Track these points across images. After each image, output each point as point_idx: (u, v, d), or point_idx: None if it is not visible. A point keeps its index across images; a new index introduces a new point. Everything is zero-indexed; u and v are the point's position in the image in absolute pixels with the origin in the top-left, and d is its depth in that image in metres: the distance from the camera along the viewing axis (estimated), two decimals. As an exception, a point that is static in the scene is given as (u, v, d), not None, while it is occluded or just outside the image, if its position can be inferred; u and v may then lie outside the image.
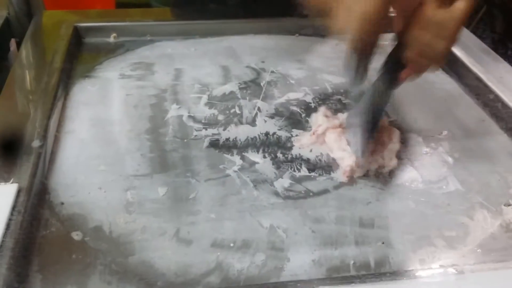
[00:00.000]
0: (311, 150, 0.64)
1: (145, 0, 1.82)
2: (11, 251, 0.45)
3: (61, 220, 0.52)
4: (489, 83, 0.75)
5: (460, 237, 0.53)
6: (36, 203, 0.53)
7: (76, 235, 0.51)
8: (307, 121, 0.70)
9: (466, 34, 0.89)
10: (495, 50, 0.88)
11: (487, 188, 0.60)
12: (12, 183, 0.52)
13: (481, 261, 0.51)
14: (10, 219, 0.48)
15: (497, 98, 0.73)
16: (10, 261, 0.45)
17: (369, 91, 0.60)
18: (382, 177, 0.61)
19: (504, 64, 0.82)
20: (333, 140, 0.64)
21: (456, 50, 0.83)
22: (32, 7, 0.97)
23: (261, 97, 0.74)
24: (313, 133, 0.65)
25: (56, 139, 0.63)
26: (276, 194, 0.57)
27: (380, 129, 0.65)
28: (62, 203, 0.54)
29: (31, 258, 0.48)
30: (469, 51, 0.83)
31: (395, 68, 0.58)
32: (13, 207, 0.49)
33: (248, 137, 0.66)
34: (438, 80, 0.81)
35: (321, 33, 0.91)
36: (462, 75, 0.81)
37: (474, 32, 0.93)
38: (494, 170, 0.63)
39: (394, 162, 0.62)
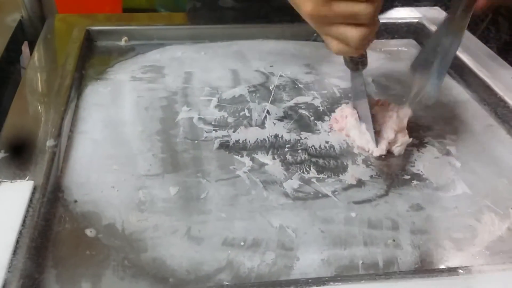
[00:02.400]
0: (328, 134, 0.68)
1: (150, 5, 1.84)
2: (27, 247, 0.46)
3: (74, 217, 0.53)
4: (496, 89, 0.75)
5: (468, 239, 0.54)
6: (51, 201, 0.54)
7: (90, 232, 0.52)
8: (315, 124, 0.70)
9: (472, 40, 0.90)
10: (500, 55, 0.88)
11: (494, 192, 0.60)
12: (28, 180, 0.53)
13: (489, 262, 0.51)
14: (25, 216, 0.49)
15: (504, 103, 0.73)
16: (26, 256, 0.46)
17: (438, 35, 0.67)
18: (390, 179, 0.61)
19: (510, 70, 0.82)
20: (352, 124, 0.67)
21: (463, 56, 0.84)
22: (45, 10, 0.99)
23: (270, 100, 0.75)
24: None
25: (70, 139, 0.65)
26: (286, 195, 0.58)
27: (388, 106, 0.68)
28: (76, 201, 0.55)
29: (46, 253, 0.49)
30: (476, 57, 0.84)
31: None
32: (29, 204, 0.50)
33: (257, 139, 0.67)
34: (445, 86, 0.82)
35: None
36: (469, 81, 0.81)
37: (480, 38, 0.94)
38: (501, 174, 0.63)
39: (406, 138, 0.64)
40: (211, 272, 0.48)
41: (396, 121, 0.66)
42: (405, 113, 0.67)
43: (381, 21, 0.94)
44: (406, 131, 0.66)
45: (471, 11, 0.64)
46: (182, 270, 0.48)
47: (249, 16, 0.97)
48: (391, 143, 0.65)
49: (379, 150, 0.64)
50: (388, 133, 0.65)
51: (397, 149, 0.65)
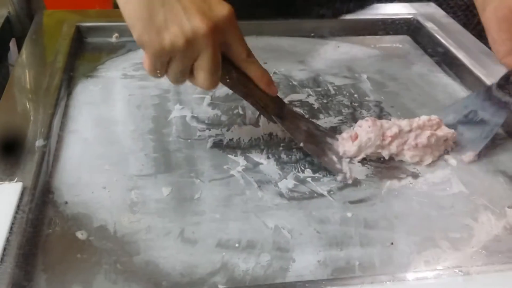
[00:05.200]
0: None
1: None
2: (16, 250, 0.45)
3: (65, 220, 0.52)
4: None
5: (464, 239, 0.53)
6: (40, 202, 0.53)
7: (81, 234, 0.51)
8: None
9: (468, 37, 0.90)
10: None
11: (491, 190, 0.60)
12: (16, 181, 0.52)
13: (486, 262, 0.51)
14: (14, 218, 0.48)
15: (500, 101, 0.73)
16: (15, 260, 0.44)
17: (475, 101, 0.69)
18: (387, 178, 0.61)
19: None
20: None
21: (458, 53, 0.83)
22: (33, 6, 0.97)
23: (264, 98, 0.74)
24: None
25: (60, 139, 0.63)
26: (281, 194, 0.57)
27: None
28: (66, 202, 0.54)
29: (36, 257, 0.48)
30: (472, 54, 0.83)
31: None
32: (18, 206, 0.49)
33: (251, 138, 0.66)
34: (441, 82, 0.81)
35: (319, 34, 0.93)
36: (465, 78, 0.81)
37: (475, 35, 0.94)
38: (498, 173, 0.63)
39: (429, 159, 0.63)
40: (205, 275, 0.48)
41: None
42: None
43: (375, 17, 0.96)
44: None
45: None
46: (176, 273, 0.47)
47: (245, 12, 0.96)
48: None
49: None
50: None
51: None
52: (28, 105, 0.67)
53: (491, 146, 0.67)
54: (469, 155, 0.64)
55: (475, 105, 0.69)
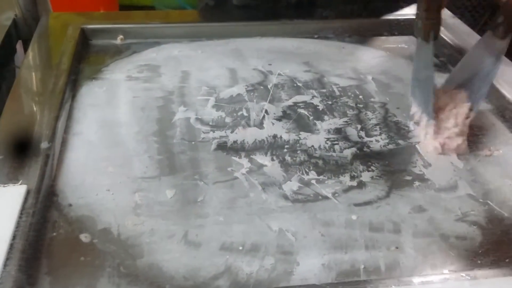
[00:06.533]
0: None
1: (148, 3, 1.82)
2: (21, 253, 0.45)
3: (69, 222, 0.52)
4: (499, 87, 0.74)
5: (471, 243, 0.53)
6: (45, 205, 0.53)
7: (85, 237, 0.50)
8: (315, 124, 0.69)
9: (474, 37, 0.89)
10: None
11: (498, 193, 0.59)
12: (20, 184, 0.52)
13: (493, 267, 0.50)
14: (18, 221, 0.48)
15: (508, 102, 0.72)
16: (19, 263, 0.44)
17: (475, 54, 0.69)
18: (392, 180, 0.60)
19: (513, 68, 0.81)
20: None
21: (464, 53, 0.82)
22: (39, 9, 0.97)
23: (268, 99, 0.74)
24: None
25: (64, 141, 0.63)
26: (285, 197, 0.57)
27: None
28: (70, 205, 0.54)
29: (40, 260, 0.48)
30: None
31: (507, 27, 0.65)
32: (22, 209, 0.49)
33: (256, 139, 0.66)
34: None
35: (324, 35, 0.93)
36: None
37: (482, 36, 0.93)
38: (505, 175, 0.62)
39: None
40: (208, 278, 0.47)
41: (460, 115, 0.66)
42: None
43: (380, 17, 0.95)
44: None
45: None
46: (179, 276, 0.47)
47: (264, 14, 0.96)
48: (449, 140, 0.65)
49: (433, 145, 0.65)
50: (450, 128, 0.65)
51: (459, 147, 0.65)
52: (33, 107, 0.68)
53: (499, 148, 0.66)
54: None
55: (475, 60, 0.69)
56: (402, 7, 0.98)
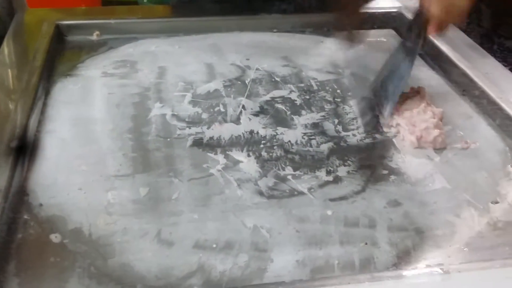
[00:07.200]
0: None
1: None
2: (-14, 255, 0.44)
3: (39, 222, 0.51)
4: (476, 79, 0.74)
5: (446, 236, 0.53)
6: (14, 205, 0.52)
7: (55, 238, 0.50)
8: (292, 119, 0.69)
9: (452, 30, 0.89)
10: (482, 44, 0.87)
11: (474, 186, 0.59)
12: (-11, 184, 0.51)
13: (468, 260, 0.50)
14: (-15, 222, 0.47)
15: (484, 94, 0.72)
16: (-16, 265, 0.44)
17: (393, 57, 0.71)
18: (368, 175, 0.60)
19: (490, 60, 0.81)
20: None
21: (442, 46, 0.82)
22: (14, 5, 0.96)
23: (245, 95, 0.73)
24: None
25: (36, 139, 0.62)
26: (260, 193, 0.56)
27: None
28: (41, 205, 0.53)
29: (8, 261, 0.47)
30: (455, 46, 0.82)
31: (419, 31, 0.67)
32: (-10, 209, 0.48)
33: (232, 135, 0.65)
34: (424, 76, 0.81)
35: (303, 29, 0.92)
36: (448, 71, 0.80)
37: (461, 26, 0.93)
38: (481, 167, 0.62)
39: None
40: (181, 277, 0.47)
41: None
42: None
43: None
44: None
45: (424, 37, 0.67)
46: (151, 275, 0.47)
47: (237, 9, 0.95)
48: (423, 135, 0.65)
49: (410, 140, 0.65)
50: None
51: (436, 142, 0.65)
52: (5, 105, 0.66)
53: (475, 141, 0.66)
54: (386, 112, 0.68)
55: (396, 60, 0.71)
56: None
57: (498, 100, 0.70)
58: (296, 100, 0.73)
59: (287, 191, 0.57)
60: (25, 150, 0.59)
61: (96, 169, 0.58)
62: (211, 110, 0.70)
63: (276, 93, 0.74)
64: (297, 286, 0.45)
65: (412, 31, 0.69)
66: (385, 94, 0.69)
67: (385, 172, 0.60)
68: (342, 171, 0.60)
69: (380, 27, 0.95)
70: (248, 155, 0.62)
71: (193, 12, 0.94)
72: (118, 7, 1.01)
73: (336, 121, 0.69)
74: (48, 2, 1.23)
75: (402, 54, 0.70)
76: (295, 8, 0.95)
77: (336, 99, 0.73)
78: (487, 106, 0.71)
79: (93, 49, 0.84)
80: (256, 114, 0.69)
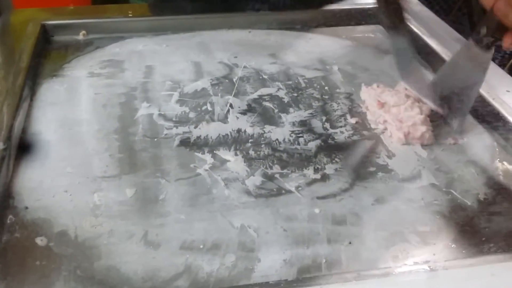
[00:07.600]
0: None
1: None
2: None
3: (25, 225, 0.51)
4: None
5: (434, 233, 0.53)
6: (0, 208, 0.52)
7: (41, 241, 0.49)
8: (280, 117, 0.68)
9: (440, 24, 0.89)
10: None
11: (461, 182, 0.59)
12: (-28, 188, 0.51)
13: (455, 256, 0.50)
14: (-31, 226, 0.47)
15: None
16: (-32, 270, 0.43)
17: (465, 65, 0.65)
18: (356, 172, 0.60)
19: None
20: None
21: (430, 41, 0.82)
22: (0, 6, 0.95)
23: (233, 93, 0.73)
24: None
25: (22, 141, 0.61)
26: (248, 192, 0.56)
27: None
28: (27, 208, 0.53)
29: (-8, 266, 0.46)
30: (445, 42, 0.82)
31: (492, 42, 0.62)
32: (-27, 214, 0.48)
33: (219, 134, 0.65)
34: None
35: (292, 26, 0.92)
36: (437, 65, 0.80)
37: (453, 20, 0.93)
38: (469, 163, 0.62)
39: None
40: (168, 279, 0.46)
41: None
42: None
43: (347, 6, 0.95)
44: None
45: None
46: (138, 277, 0.46)
47: (215, 6, 0.94)
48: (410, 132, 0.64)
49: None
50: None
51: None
52: (-10, 107, 0.65)
53: (463, 137, 0.66)
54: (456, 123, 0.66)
55: (458, 72, 0.67)
56: None
57: (486, 95, 0.70)
58: (284, 98, 0.73)
59: (275, 189, 0.57)
60: (10, 152, 0.58)
61: (82, 171, 0.58)
62: (198, 109, 0.69)
63: (264, 91, 0.74)
64: (282, 287, 0.45)
65: (483, 40, 0.62)
66: (459, 106, 0.66)
67: (373, 169, 0.60)
68: (329, 168, 0.60)
69: (367, 23, 0.94)
70: (236, 154, 0.62)
71: (169, 11, 0.93)
72: (105, 6, 1.00)
73: (324, 118, 0.69)
74: (36, 2, 1.22)
75: (469, 63, 0.65)
76: (269, 7, 0.94)
77: (324, 96, 0.73)
78: (475, 103, 0.71)
79: (80, 49, 0.83)
80: (244, 113, 0.69)
